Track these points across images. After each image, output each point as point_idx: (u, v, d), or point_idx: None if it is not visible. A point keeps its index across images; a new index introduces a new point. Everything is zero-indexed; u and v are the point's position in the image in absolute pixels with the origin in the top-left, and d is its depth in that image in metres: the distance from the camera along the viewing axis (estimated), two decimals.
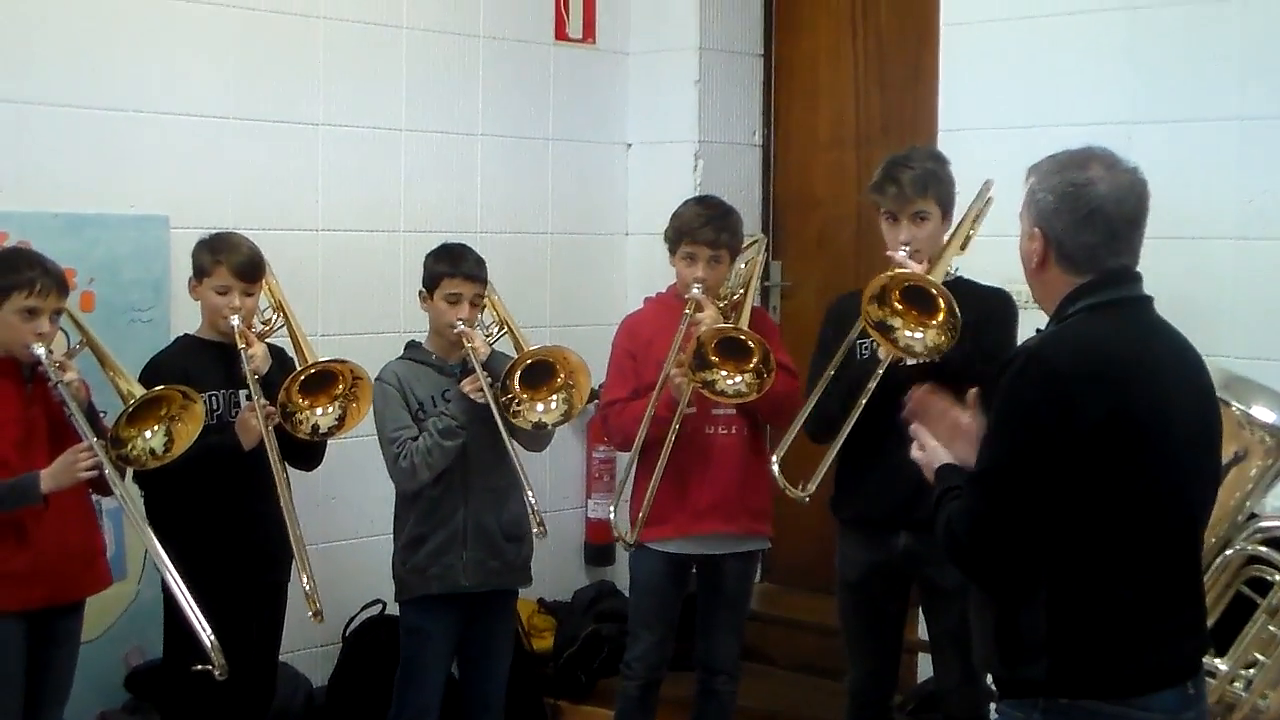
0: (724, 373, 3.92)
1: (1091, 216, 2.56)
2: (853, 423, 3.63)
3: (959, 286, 3.64)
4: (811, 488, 3.76)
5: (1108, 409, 2.46)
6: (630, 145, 5.61)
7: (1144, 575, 2.54)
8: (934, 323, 3.50)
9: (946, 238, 3.71)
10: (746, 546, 4.17)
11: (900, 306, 3.53)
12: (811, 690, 4.96)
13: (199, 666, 3.39)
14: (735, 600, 4.19)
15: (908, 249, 3.66)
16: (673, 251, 4.11)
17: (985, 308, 3.63)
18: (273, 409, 3.73)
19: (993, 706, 2.78)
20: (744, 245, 4.21)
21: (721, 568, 4.13)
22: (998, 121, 4.41)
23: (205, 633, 3.37)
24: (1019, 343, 3.57)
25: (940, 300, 3.47)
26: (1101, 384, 2.48)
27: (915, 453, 2.78)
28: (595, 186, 5.45)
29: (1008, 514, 2.49)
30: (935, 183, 3.70)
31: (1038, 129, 4.17)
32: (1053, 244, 2.59)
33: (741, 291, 4.14)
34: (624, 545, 4.10)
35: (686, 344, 3.91)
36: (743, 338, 3.90)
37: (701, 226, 4.05)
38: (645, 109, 5.58)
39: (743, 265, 4.21)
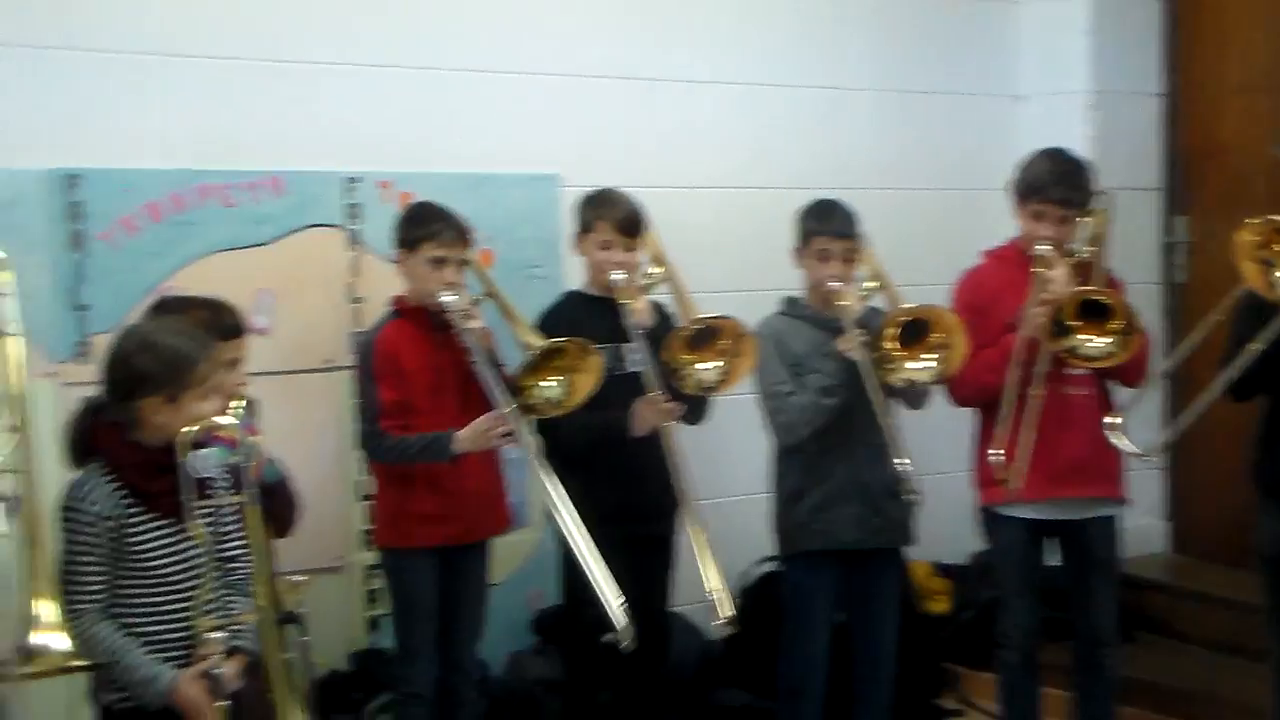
0: (1085, 336, 3.76)
1: None
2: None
3: None
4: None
5: None
6: (1019, 97, 5.39)
7: None
8: None
9: None
10: (1103, 510, 3.97)
11: None
12: (1227, 670, 4.62)
13: (607, 637, 3.46)
14: (1106, 565, 4.00)
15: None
16: (1020, 205, 3.96)
17: None
18: (674, 406, 3.77)
19: None
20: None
21: (1086, 533, 3.95)
22: None
23: (612, 605, 3.42)
24: None
25: None
26: None
27: None
28: (981, 141, 5.26)
29: None
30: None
31: None
32: None
33: (1091, 250, 3.93)
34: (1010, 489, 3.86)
35: (1045, 305, 3.75)
36: (1102, 298, 3.74)
37: (1054, 185, 3.89)
38: (1036, 59, 5.35)
39: (1088, 220, 3.96)
